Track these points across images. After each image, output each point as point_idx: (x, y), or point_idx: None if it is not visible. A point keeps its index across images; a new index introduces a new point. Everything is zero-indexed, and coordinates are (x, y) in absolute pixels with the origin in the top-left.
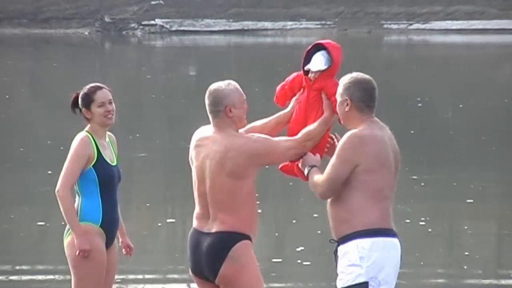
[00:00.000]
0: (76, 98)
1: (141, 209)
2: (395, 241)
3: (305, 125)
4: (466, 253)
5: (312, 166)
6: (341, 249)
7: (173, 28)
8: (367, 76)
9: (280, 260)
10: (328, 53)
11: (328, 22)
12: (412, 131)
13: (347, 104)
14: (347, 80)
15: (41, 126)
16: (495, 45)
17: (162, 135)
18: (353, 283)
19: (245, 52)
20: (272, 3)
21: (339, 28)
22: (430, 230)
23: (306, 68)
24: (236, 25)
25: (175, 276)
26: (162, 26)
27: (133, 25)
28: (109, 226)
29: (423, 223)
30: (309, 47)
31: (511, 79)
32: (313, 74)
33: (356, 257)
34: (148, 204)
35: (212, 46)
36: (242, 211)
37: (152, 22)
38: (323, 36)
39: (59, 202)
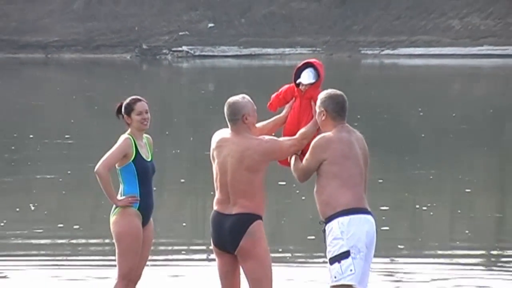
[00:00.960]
0: (120, 107)
1: (171, 194)
2: (368, 217)
3: (299, 126)
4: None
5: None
6: (327, 227)
7: (196, 53)
8: (339, 92)
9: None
10: (315, 69)
11: (318, 49)
12: (380, 133)
13: (323, 114)
14: (323, 95)
15: (91, 128)
16: (449, 66)
17: (187, 135)
18: (338, 252)
19: (253, 72)
20: (273, 34)
21: (326, 53)
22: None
23: (297, 81)
24: (245, 51)
25: (197, 247)
26: (188, 52)
27: (164, 51)
28: (145, 209)
29: (385, 207)
30: (300, 64)
31: (461, 92)
32: (304, 86)
33: (338, 232)
34: (177, 190)
35: (226, 67)
36: (257, 197)
37: (180, 48)
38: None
39: (98, 180)
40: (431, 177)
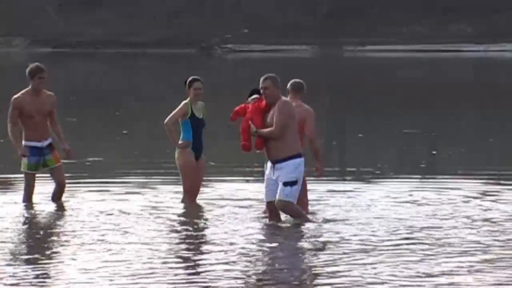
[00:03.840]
0: (185, 82)
1: (216, 149)
2: (303, 159)
3: (251, 123)
4: None
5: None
6: (279, 166)
7: (236, 49)
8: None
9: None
10: (258, 93)
11: (314, 46)
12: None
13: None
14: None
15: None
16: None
17: (228, 105)
18: (292, 180)
19: (273, 61)
20: (286, 36)
21: (319, 49)
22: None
23: (249, 99)
24: (268, 48)
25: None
26: (231, 48)
27: (216, 47)
28: (196, 149)
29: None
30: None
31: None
32: (252, 101)
33: (293, 168)
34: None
35: (255, 58)
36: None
37: (226, 46)
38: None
39: (167, 131)
40: None
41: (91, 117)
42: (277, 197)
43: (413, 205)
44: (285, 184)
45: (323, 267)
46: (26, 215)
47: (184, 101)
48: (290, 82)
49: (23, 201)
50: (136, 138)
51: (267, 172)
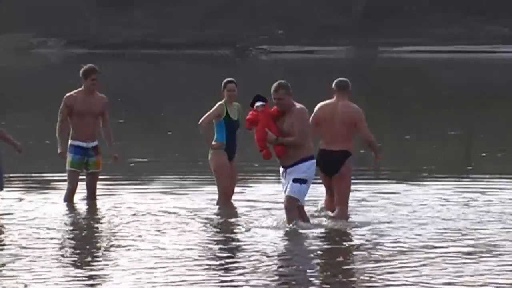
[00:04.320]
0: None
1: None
2: (314, 161)
3: (267, 131)
4: None
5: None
6: (291, 170)
7: (271, 50)
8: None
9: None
10: (262, 98)
11: (349, 47)
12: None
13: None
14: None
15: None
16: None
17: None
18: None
19: (307, 62)
20: (320, 36)
21: (354, 50)
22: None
23: (255, 106)
24: (302, 49)
25: None
26: (265, 49)
27: (250, 48)
28: (229, 150)
29: None
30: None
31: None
32: (260, 107)
33: (305, 168)
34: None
35: (290, 60)
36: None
37: (260, 47)
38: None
39: (201, 131)
40: None
41: (134, 118)
42: (285, 193)
43: (461, 206)
44: (295, 180)
45: (368, 269)
46: (67, 214)
47: (220, 102)
48: (335, 81)
49: (64, 200)
50: (174, 139)
51: (282, 180)
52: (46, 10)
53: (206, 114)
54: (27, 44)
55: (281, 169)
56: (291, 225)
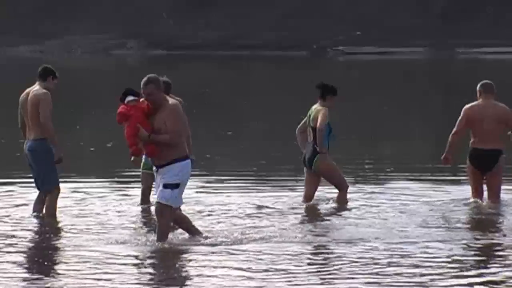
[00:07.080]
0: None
1: None
2: (189, 161)
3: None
4: None
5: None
6: (163, 170)
7: (348, 51)
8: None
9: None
10: (133, 93)
11: (426, 48)
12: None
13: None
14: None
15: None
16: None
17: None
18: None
19: (383, 63)
20: (395, 37)
21: (431, 51)
22: None
23: (126, 101)
24: (378, 50)
25: None
26: (342, 50)
27: (328, 49)
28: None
29: None
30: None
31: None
32: (131, 102)
33: (176, 171)
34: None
35: (367, 61)
36: None
37: (338, 47)
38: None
39: (318, 136)
40: None
41: (215, 118)
42: (156, 198)
43: None
44: (166, 186)
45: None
46: (141, 215)
47: (322, 107)
48: (481, 84)
49: (140, 203)
50: (242, 139)
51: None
52: (124, 11)
53: (321, 119)
54: (106, 45)
55: (154, 168)
56: (160, 242)
